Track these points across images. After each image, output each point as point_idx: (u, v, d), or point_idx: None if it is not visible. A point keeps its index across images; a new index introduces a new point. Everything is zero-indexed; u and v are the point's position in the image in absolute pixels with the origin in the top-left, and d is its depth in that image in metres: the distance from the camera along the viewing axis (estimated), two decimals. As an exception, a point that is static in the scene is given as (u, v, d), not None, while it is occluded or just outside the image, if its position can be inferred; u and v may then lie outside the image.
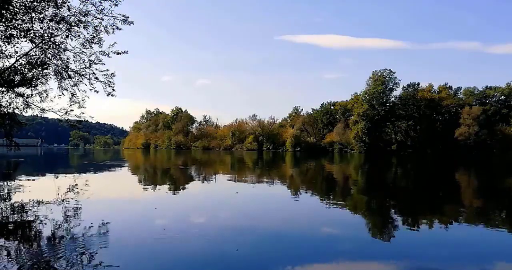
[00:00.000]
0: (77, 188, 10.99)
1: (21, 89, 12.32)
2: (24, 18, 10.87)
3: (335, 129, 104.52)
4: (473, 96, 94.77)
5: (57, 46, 11.73)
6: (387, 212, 8.10)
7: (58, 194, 9.43)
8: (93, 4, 11.36)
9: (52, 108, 12.51)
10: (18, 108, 12.56)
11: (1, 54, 11.31)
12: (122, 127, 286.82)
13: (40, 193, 9.57)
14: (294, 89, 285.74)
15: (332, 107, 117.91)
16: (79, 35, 11.63)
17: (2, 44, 11.09)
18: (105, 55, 12.01)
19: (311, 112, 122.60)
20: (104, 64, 12.17)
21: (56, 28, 11.43)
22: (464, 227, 6.63)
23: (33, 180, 13.86)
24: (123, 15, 11.57)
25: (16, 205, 7.75)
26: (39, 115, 13.41)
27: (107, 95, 12.54)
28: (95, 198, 9.21)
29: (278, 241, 5.35)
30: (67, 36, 11.61)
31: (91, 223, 5.95)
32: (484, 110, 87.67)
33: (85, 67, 12.11)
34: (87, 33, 11.66)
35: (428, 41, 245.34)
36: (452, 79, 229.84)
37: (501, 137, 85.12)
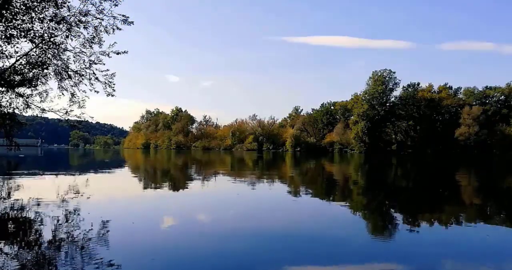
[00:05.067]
0: (77, 188, 11.00)
1: (21, 89, 12.34)
2: (24, 18, 10.88)
3: (335, 130, 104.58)
4: (473, 96, 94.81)
5: (57, 46, 11.74)
6: (387, 212, 8.11)
7: (58, 194, 9.44)
8: (93, 4, 11.38)
9: (52, 109, 12.53)
10: (18, 108, 12.58)
11: (1, 54, 11.31)
12: (122, 128, 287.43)
13: (40, 192, 9.57)
14: (294, 89, 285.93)
15: (332, 107, 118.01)
16: (79, 35, 11.64)
17: (2, 44, 11.09)
18: (105, 55, 12.03)
19: (311, 112, 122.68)
20: (104, 64, 12.19)
21: (56, 28, 11.43)
22: (464, 226, 6.63)
23: (33, 179, 13.86)
24: (123, 15, 11.58)
25: (16, 204, 7.76)
26: (39, 115, 13.42)
27: (107, 95, 12.56)
28: (95, 197, 9.22)
29: (279, 241, 5.36)
30: (67, 36, 11.62)
31: (91, 222, 5.96)
32: (484, 110, 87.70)
33: (85, 68, 12.12)
34: (87, 33, 11.68)
35: (427, 42, 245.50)
36: (454, 80, 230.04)
37: (501, 137, 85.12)
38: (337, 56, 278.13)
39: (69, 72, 12.18)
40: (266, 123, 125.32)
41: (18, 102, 12.47)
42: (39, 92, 12.48)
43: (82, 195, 9.33)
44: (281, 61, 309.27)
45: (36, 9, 10.92)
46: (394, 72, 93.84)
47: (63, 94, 12.41)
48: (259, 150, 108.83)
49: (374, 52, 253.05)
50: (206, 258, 4.45)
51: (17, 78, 11.83)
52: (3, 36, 10.86)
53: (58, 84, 12.28)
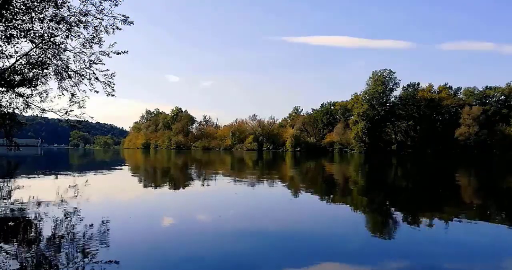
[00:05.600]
0: (77, 188, 11.00)
1: (21, 89, 12.33)
2: (24, 18, 10.87)
3: (335, 130, 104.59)
4: (473, 96, 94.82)
5: (57, 46, 11.73)
6: (387, 212, 8.11)
7: (58, 194, 9.44)
8: (93, 4, 11.36)
9: (52, 109, 12.51)
10: (18, 108, 12.57)
11: (1, 54, 11.30)
12: (122, 128, 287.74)
13: (40, 192, 9.58)
14: (294, 89, 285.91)
15: (332, 107, 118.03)
16: (79, 35, 11.63)
17: (2, 44, 11.08)
18: (105, 55, 12.01)
19: (311, 112, 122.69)
20: (104, 64, 12.18)
21: (56, 28, 11.42)
22: (465, 226, 6.63)
23: (33, 179, 13.87)
24: (123, 15, 11.56)
25: (16, 204, 7.76)
26: (39, 115, 13.41)
27: (107, 95, 12.54)
28: (95, 197, 9.22)
29: (279, 241, 5.36)
30: (67, 36, 11.60)
31: (91, 222, 5.97)
32: (484, 110, 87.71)
33: (85, 68, 12.11)
34: (87, 33, 11.66)
35: (427, 42, 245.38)
36: (454, 80, 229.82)
37: (501, 137, 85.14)
38: (337, 56, 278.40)
39: (69, 72, 12.17)
40: (266, 123, 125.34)
41: (18, 102, 12.46)
42: (39, 92, 12.47)
43: (82, 195, 9.34)
44: (281, 61, 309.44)
45: (36, 9, 10.91)
46: (394, 72, 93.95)
47: (63, 94, 12.40)
48: (259, 150, 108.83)
49: (374, 52, 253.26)
50: (206, 258, 4.45)
51: (17, 78, 11.83)
52: (3, 36, 10.85)
53: (58, 84, 12.28)
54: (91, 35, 11.69)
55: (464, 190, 12.97)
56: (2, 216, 6.58)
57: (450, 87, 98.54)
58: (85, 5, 11.36)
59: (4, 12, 10.36)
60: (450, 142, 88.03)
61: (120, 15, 11.55)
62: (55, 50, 11.80)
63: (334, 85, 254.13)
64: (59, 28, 11.45)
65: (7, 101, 12.32)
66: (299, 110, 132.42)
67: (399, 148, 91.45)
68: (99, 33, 11.68)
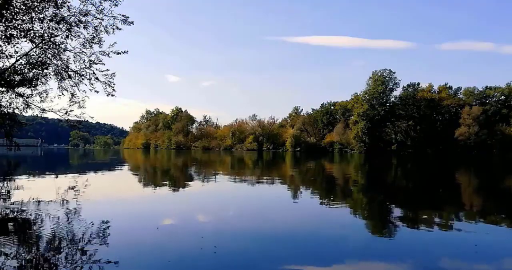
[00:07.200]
0: (77, 188, 11.00)
1: (21, 89, 12.33)
2: (24, 18, 10.89)
3: (335, 130, 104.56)
4: (473, 96, 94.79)
5: (57, 46, 11.74)
6: (387, 212, 8.11)
7: (58, 194, 9.44)
8: (93, 4, 11.38)
9: (52, 109, 12.52)
10: (18, 108, 12.57)
11: (1, 54, 11.31)
12: (122, 128, 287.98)
13: (40, 192, 9.58)
14: (294, 89, 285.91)
15: (332, 107, 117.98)
16: (79, 35, 11.64)
17: (2, 44, 11.09)
18: (105, 55, 12.02)
19: (311, 112, 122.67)
20: (104, 64, 12.18)
21: (56, 28, 11.43)
22: (464, 226, 6.63)
23: (33, 179, 13.86)
24: (123, 15, 11.58)
25: (16, 204, 7.76)
26: (39, 115, 13.41)
27: (107, 95, 12.55)
28: (95, 197, 9.22)
29: (279, 241, 5.36)
30: (67, 36, 11.61)
31: (91, 222, 5.97)
32: (484, 110, 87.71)
33: (85, 68, 12.12)
34: (87, 33, 11.68)
35: (427, 42, 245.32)
36: (454, 80, 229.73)
37: (501, 137, 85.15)
38: (337, 56, 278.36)
39: (69, 72, 12.18)
40: (266, 123, 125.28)
41: (18, 102, 12.46)
42: (39, 92, 12.47)
43: (82, 195, 9.34)
44: (281, 61, 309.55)
45: (36, 9, 10.92)
46: (394, 72, 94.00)
47: (63, 94, 12.41)
48: (259, 150, 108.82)
49: (374, 52, 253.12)
50: (206, 258, 4.45)
51: (17, 78, 11.83)
52: (3, 36, 10.86)
53: (58, 84, 12.28)
54: (91, 35, 11.71)
55: (464, 190, 12.97)
56: (2, 216, 6.58)
57: (450, 87, 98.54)
58: (85, 5, 11.38)
59: (4, 12, 10.36)
60: (450, 142, 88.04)
61: (120, 15, 11.57)
62: (55, 50, 11.81)
63: (334, 85, 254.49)
64: (59, 28, 11.46)
65: (7, 101, 12.33)
66: (299, 110, 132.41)
67: (399, 148, 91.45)
68: (99, 33, 11.69)
